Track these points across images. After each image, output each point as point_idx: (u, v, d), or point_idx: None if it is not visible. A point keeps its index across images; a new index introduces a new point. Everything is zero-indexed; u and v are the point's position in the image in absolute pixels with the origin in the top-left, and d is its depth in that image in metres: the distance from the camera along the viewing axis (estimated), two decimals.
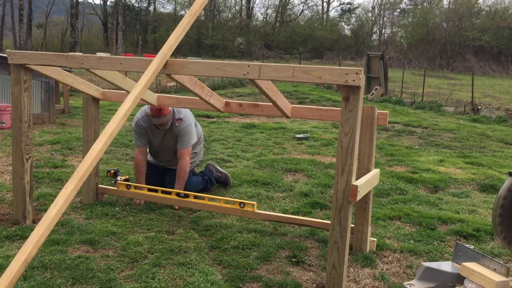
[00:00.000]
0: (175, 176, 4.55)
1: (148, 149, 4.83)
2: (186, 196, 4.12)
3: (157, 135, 4.62)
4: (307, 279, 3.12)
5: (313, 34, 41.66)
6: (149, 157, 4.93)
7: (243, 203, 3.92)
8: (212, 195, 4.60)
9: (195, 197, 4.10)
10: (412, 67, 30.69)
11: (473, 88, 14.39)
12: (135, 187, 4.34)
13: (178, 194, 4.16)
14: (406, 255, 3.55)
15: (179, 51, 32.90)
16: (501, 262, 2.20)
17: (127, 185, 4.36)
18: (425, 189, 5.51)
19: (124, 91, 4.18)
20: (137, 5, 46.63)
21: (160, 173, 4.87)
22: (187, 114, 4.64)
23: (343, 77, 2.69)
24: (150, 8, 47.10)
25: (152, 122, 4.49)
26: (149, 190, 4.29)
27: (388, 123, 5.04)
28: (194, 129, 4.66)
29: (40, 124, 8.92)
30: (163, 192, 4.23)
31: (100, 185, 4.51)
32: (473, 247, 2.39)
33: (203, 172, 4.99)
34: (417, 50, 36.61)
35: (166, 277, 2.99)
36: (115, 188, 4.45)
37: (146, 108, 4.55)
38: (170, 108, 4.43)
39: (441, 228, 4.16)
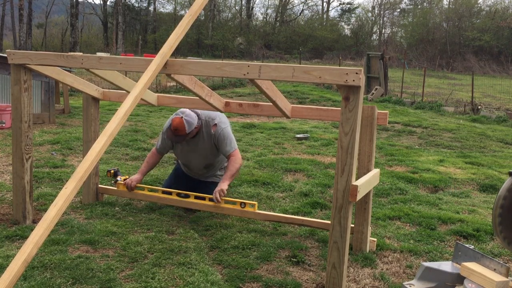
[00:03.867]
0: (207, 187, 4.43)
1: (178, 159, 4.68)
2: (187, 196, 4.12)
3: (184, 144, 4.37)
4: (307, 279, 3.12)
5: (313, 34, 41.64)
6: (182, 166, 4.73)
7: (244, 203, 3.92)
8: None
9: (196, 197, 4.10)
10: (412, 67, 30.69)
11: (473, 88, 14.39)
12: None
13: (178, 194, 4.16)
14: (406, 255, 3.55)
15: (179, 51, 32.89)
16: (501, 262, 2.20)
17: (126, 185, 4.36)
18: (425, 189, 5.52)
19: (124, 91, 4.18)
20: (137, 5, 46.66)
21: (190, 185, 4.55)
22: (221, 118, 4.32)
23: (343, 77, 2.69)
24: (150, 8, 47.09)
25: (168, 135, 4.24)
26: (150, 190, 4.29)
27: (388, 123, 5.05)
28: (231, 132, 4.34)
29: (40, 124, 8.93)
30: (163, 192, 4.23)
31: (100, 185, 4.51)
32: (473, 247, 2.39)
33: None
34: (417, 50, 36.61)
35: (166, 277, 2.99)
36: (115, 188, 4.45)
37: (174, 115, 4.21)
38: (190, 128, 4.09)
39: (441, 228, 4.16)
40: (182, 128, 4.07)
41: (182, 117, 4.09)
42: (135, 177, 4.36)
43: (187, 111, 4.18)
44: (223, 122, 4.33)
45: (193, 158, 4.46)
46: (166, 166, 6.02)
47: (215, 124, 4.25)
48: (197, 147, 4.34)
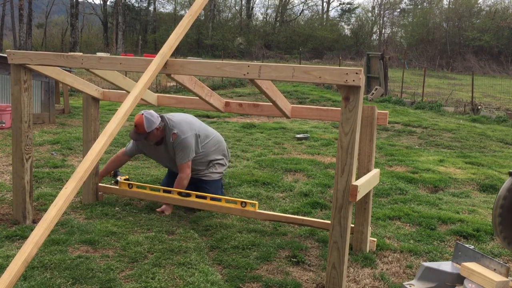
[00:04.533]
0: (202, 185, 4.47)
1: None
2: (188, 195, 4.12)
3: (153, 150, 4.44)
4: (307, 279, 3.12)
5: (313, 34, 41.63)
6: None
7: (245, 202, 3.92)
8: None
9: (197, 196, 4.10)
10: (412, 67, 30.68)
11: (473, 88, 14.39)
12: (137, 187, 4.34)
13: (180, 193, 4.16)
14: (406, 255, 3.55)
15: (179, 51, 32.89)
16: (501, 262, 2.20)
17: (128, 184, 4.35)
18: (425, 189, 5.52)
19: (124, 91, 4.19)
20: (137, 5, 46.64)
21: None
22: (183, 127, 4.27)
23: (343, 77, 2.69)
24: (150, 8, 47.07)
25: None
26: (151, 189, 4.30)
27: (388, 123, 5.05)
28: (192, 141, 4.28)
29: (40, 124, 8.93)
30: (164, 191, 4.23)
31: (100, 184, 4.51)
32: (473, 247, 2.39)
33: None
34: (417, 50, 36.60)
35: (166, 277, 2.99)
36: (116, 187, 4.44)
37: None
38: (150, 127, 4.11)
39: (441, 228, 4.16)
40: (141, 125, 4.12)
41: (143, 113, 4.16)
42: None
43: (151, 111, 4.25)
44: (183, 131, 4.25)
45: (167, 163, 4.53)
46: None
47: (174, 133, 4.24)
48: (164, 153, 4.40)
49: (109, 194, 4.58)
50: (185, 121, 4.36)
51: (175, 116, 4.37)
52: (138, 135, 4.20)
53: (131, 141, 4.58)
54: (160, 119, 4.23)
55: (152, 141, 4.28)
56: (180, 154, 4.27)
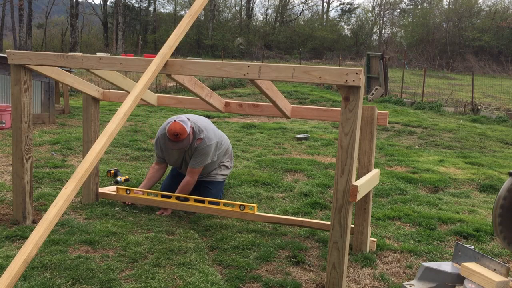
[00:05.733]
0: (204, 186, 4.45)
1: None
2: (186, 199, 4.12)
3: (173, 154, 4.39)
4: (307, 279, 3.12)
5: (313, 34, 41.63)
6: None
7: (243, 205, 3.91)
8: None
9: (195, 200, 4.09)
10: (412, 67, 30.67)
11: (473, 88, 14.39)
12: (135, 192, 4.33)
13: (178, 198, 4.15)
14: (406, 255, 3.55)
15: (179, 51, 32.89)
16: (501, 262, 2.20)
17: (126, 189, 4.33)
18: (425, 189, 5.52)
19: (124, 91, 4.19)
20: (137, 5, 46.63)
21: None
22: (209, 134, 4.27)
23: (343, 77, 2.69)
24: (150, 8, 47.07)
25: (167, 146, 4.23)
26: (148, 194, 4.29)
27: (388, 123, 5.05)
28: (212, 149, 4.29)
29: (40, 124, 8.93)
30: (162, 196, 4.22)
31: (100, 190, 4.49)
32: (473, 247, 2.39)
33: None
34: (417, 50, 36.60)
35: (166, 277, 2.99)
36: (115, 193, 4.42)
37: (166, 125, 4.23)
38: (189, 130, 4.09)
39: (441, 228, 4.16)
40: (183, 129, 4.03)
41: (175, 120, 4.07)
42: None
43: (180, 116, 4.17)
44: (210, 138, 4.27)
45: (177, 162, 4.47)
46: None
47: (201, 138, 4.22)
48: (179, 152, 4.34)
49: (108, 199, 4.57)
50: (210, 128, 4.35)
51: (200, 120, 4.33)
52: (180, 143, 4.08)
53: (156, 149, 4.50)
54: (188, 121, 4.17)
55: (181, 148, 4.17)
56: (197, 159, 4.25)
